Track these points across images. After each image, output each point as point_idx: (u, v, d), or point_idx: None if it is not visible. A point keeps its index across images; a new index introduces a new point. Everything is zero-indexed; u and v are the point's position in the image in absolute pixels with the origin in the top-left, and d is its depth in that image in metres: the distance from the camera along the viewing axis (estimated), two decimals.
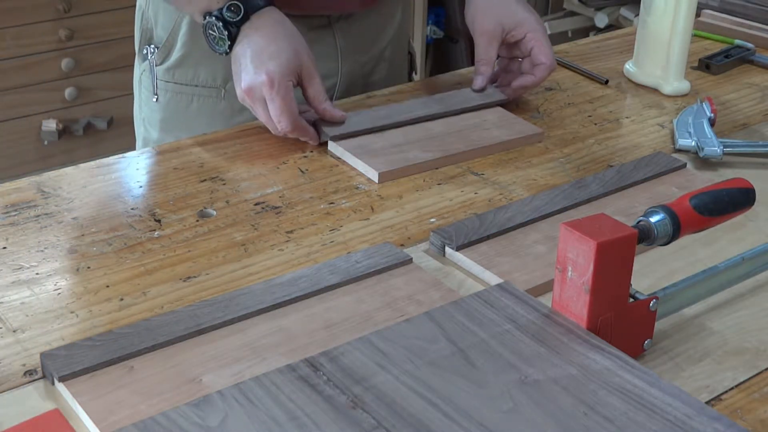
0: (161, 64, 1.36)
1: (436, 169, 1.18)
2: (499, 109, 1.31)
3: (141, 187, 1.12)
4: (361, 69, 1.41)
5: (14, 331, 0.87)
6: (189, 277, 0.96)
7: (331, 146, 1.20)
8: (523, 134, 1.25)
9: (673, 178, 1.16)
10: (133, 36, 1.41)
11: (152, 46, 1.36)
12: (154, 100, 1.38)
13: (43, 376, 0.82)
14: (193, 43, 1.32)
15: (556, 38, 3.36)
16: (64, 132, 2.91)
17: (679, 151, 1.23)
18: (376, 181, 1.14)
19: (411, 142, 1.21)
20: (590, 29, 3.41)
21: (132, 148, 1.44)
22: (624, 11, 3.30)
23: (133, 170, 1.15)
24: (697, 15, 1.54)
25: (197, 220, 1.06)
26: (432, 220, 1.08)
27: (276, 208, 1.09)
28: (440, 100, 1.30)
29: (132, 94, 1.46)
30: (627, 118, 1.35)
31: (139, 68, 1.41)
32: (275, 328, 0.87)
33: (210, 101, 1.35)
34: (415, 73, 1.55)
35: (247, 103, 1.19)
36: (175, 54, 1.35)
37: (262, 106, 1.17)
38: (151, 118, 1.40)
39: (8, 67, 2.77)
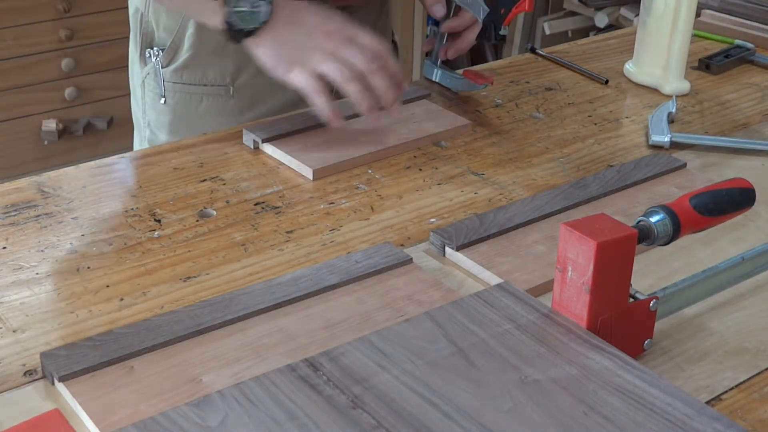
0: (168, 65, 1.35)
1: (371, 163, 1.18)
2: (426, 102, 1.32)
3: (141, 187, 1.12)
4: None
5: (14, 331, 0.87)
6: (189, 277, 0.96)
7: (265, 148, 1.20)
8: (451, 126, 1.26)
9: (673, 178, 1.16)
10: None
11: (156, 48, 1.35)
12: (162, 102, 1.37)
13: (43, 376, 0.82)
14: (202, 42, 1.32)
15: (556, 38, 3.36)
16: (64, 132, 2.91)
17: (653, 147, 1.25)
18: (311, 179, 1.14)
19: (342, 138, 1.21)
20: (590, 29, 3.41)
21: (131, 148, 1.44)
22: (624, 11, 3.30)
23: (133, 170, 1.15)
24: (697, 15, 1.54)
25: (197, 220, 1.06)
26: (432, 220, 1.08)
27: (276, 208, 1.09)
28: None
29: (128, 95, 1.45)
30: (627, 118, 1.35)
31: (141, 72, 1.39)
32: (275, 328, 0.87)
33: (219, 100, 1.35)
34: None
35: (319, 54, 1.15)
36: (183, 55, 1.34)
37: (349, 43, 1.15)
38: (159, 121, 1.39)
39: (8, 67, 2.77)
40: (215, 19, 1.16)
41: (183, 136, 1.31)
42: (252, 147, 1.20)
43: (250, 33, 1.15)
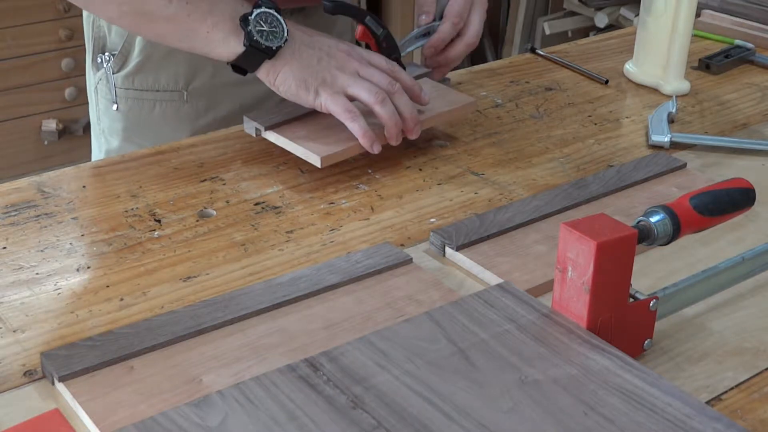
0: (119, 71, 1.32)
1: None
2: (429, 80, 1.28)
3: (141, 187, 1.12)
4: None
5: (14, 331, 0.87)
6: (189, 277, 0.96)
7: (268, 135, 1.16)
8: (456, 105, 1.23)
9: (673, 178, 1.16)
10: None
11: (107, 54, 1.32)
12: (114, 108, 1.33)
13: (43, 376, 0.82)
14: (153, 47, 1.29)
15: (556, 38, 3.36)
16: (64, 132, 2.91)
17: (653, 147, 1.25)
18: (319, 166, 1.12)
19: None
20: (590, 29, 3.42)
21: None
22: (624, 11, 3.30)
23: (133, 170, 1.15)
24: (697, 15, 1.54)
25: (197, 220, 1.06)
26: (432, 220, 1.08)
27: (276, 208, 1.09)
28: None
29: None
30: (627, 118, 1.35)
31: (93, 78, 1.36)
32: (275, 328, 0.87)
33: (173, 105, 1.32)
34: None
35: (346, 74, 1.12)
36: (134, 60, 1.30)
37: (366, 63, 1.13)
38: (112, 128, 1.35)
39: (8, 67, 2.77)
40: (225, 48, 1.10)
41: (136, 144, 1.29)
42: (254, 135, 1.18)
43: (272, 54, 1.10)
